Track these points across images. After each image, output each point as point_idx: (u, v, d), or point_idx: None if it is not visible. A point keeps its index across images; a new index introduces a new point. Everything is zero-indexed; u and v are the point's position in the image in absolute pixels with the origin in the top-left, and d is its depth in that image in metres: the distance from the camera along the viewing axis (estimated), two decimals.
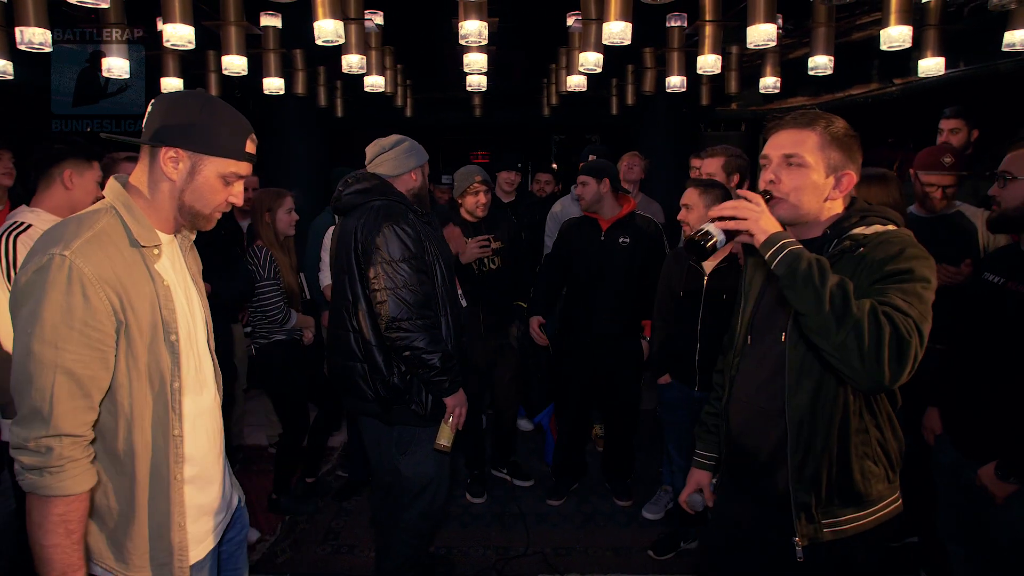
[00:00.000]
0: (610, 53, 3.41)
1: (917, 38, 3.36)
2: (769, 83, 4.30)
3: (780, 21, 3.69)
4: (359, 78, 4.48)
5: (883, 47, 3.15)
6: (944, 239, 2.64)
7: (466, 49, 3.98)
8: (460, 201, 3.37)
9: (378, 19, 3.95)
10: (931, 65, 3.54)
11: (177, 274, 1.42)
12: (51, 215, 2.20)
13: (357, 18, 3.45)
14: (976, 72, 4.23)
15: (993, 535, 1.98)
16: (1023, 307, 1.87)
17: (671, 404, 3.03)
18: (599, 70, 3.55)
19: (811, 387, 1.45)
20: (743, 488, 1.66)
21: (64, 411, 1.18)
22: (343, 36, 3.17)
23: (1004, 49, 3.25)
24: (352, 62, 3.67)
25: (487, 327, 3.41)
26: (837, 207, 1.51)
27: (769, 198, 1.46)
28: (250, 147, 1.39)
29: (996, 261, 2.06)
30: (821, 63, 3.65)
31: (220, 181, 1.36)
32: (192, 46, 3.15)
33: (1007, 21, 3.21)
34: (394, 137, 2.43)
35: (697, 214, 2.78)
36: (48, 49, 2.93)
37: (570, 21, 3.83)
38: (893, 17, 3.06)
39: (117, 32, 3.37)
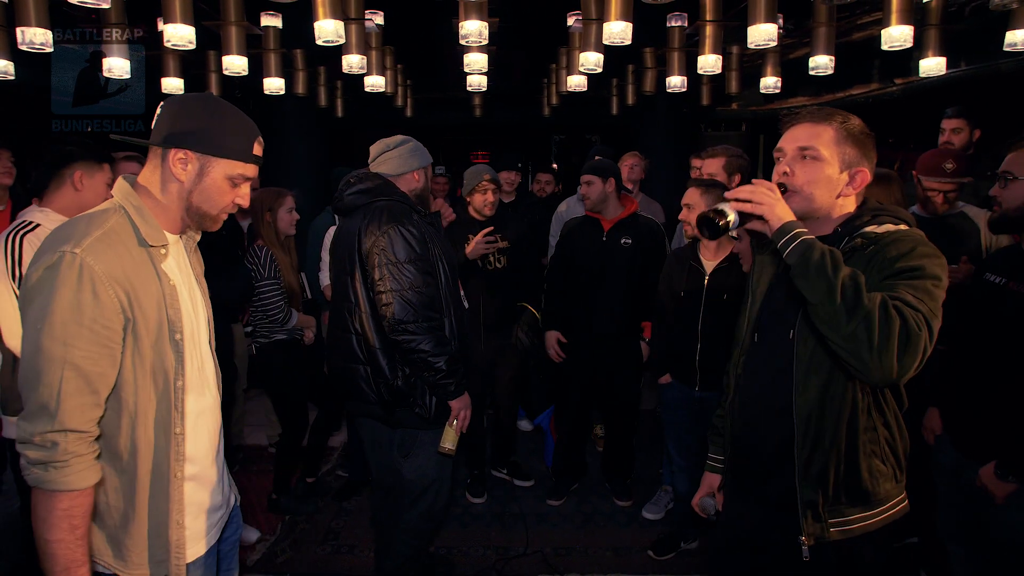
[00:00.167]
0: (610, 53, 3.40)
1: (918, 38, 3.35)
2: (770, 83, 4.29)
3: (781, 21, 3.68)
4: (359, 78, 4.48)
5: (884, 47, 3.15)
6: (946, 240, 2.63)
7: (466, 49, 3.98)
8: (468, 199, 3.38)
9: (378, 19, 3.95)
10: (932, 65, 3.54)
11: (182, 274, 1.44)
12: (60, 215, 2.20)
13: (357, 18, 3.45)
14: (977, 72, 4.23)
15: (993, 535, 1.98)
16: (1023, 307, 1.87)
17: (671, 404, 3.03)
18: (599, 70, 3.54)
19: (820, 384, 1.45)
20: (748, 488, 1.66)
21: (71, 407, 1.19)
22: (343, 36, 3.16)
23: (1005, 49, 3.24)
24: (352, 62, 3.67)
25: (490, 327, 3.41)
26: (849, 205, 1.51)
27: (784, 191, 1.46)
28: (257, 150, 1.42)
29: (997, 261, 2.06)
30: (822, 63, 3.65)
31: (228, 183, 1.38)
32: (192, 46, 3.14)
33: (1008, 21, 3.21)
34: (399, 137, 2.43)
35: (698, 213, 2.78)
36: (49, 49, 2.93)
37: (570, 21, 3.82)
38: (894, 17, 3.05)
39: (117, 32, 3.37)
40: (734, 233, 2.76)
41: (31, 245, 2.11)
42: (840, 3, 3.47)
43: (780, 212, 1.34)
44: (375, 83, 4.60)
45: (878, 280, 1.34)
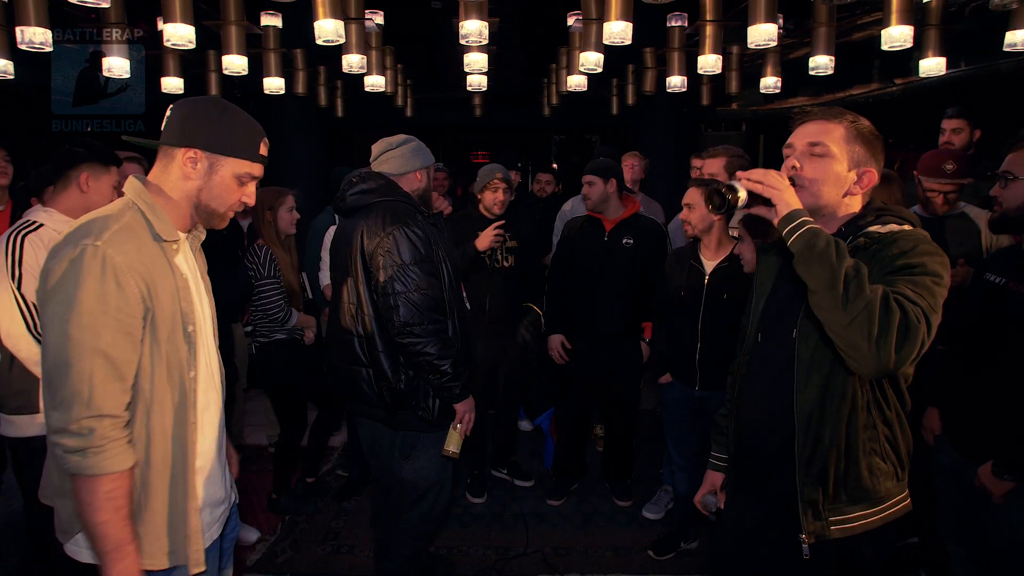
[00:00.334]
0: (610, 53, 3.40)
1: (918, 38, 3.35)
2: (770, 83, 4.29)
3: (781, 21, 3.69)
4: (359, 78, 4.48)
5: (884, 47, 3.15)
6: (947, 240, 2.63)
7: (466, 49, 3.98)
8: (479, 196, 3.39)
9: (378, 19, 3.95)
10: (932, 65, 3.54)
11: (191, 270, 1.49)
12: (64, 216, 2.20)
13: (357, 18, 3.45)
14: (977, 72, 4.23)
15: (992, 535, 1.98)
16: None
17: (672, 403, 3.03)
18: (599, 70, 3.54)
19: (820, 381, 1.45)
20: (750, 487, 1.66)
21: (103, 393, 1.24)
22: (343, 36, 3.16)
23: (1005, 49, 3.24)
24: (352, 62, 3.67)
25: (495, 326, 3.41)
26: (855, 204, 1.51)
27: (792, 185, 1.46)
28: (263, 150, 1.47)
29: (997, 261, 2.06)
30: (822, 63, 3.65)
31: (235, 181, 1.44)
32: (192, 46, 3.14)
33: (1008, 21, 3.21)
34: (401, 136, 2.41)
35: (699, 213, 2.78)
36: (49, 49, 2.93)
37: (570, 21, 3.83)
38: (894, 17, 3.05)
39: (117, 32, 3.36)
40: (735, 233, 2.77)
41: (32, 245, 2.11)
42: (840, 3, 3.47)
43: (789, 199, 1.35)
44: (375, 83, 4.60)
45: (879, 277, 1.34)
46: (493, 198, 3.32)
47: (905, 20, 3.05)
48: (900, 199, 2.39)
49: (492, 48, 4.15)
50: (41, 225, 2.16)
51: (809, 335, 1.46)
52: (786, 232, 1.32)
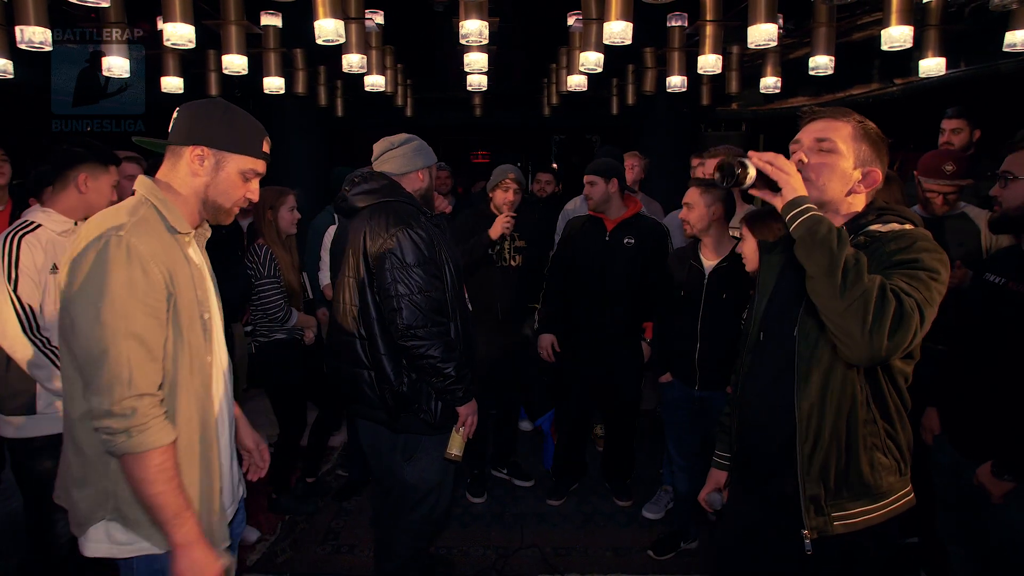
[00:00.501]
0: (611, 53, 3.40)
1: (918, 38, 3.35)
2: (770, 83, 4.29)
3: (781, 21, 3.69)
4: (359, 78, 4.48)
5: (884, 47, 3.15)
6: (947, 240, 2.63)
7: (467, 49, 3.98)
8: (491, 195, 3.41)
9: (378, 19, 3.95)
10: (932, 65, 3.54)
11: (200, 264, 1.56)
12: (62, 216, 2.19)
13: (357, 17, 3.45)
14: (977, 72, 4.23)
15: (992, 535, 1.98)
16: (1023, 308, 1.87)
17: (672, 403, 3.03)
18: (600, 70, 3.54)
19: (820, 377, 1.46)
20: (752, 486, 1.67)
21: (141, 373, 1.31)
22: (343, 35, 3.16)
23: (1005, 49, 3.24)
24: (352, 61, 3.67)
25: (500, 325, 3.41)
26: (858, 204, 1.52)
27: None
28: (265, 147, 1.55)
29: (997, 262, 2.06)
30: (822, 63, 3.65)
31: (240, 177, 1.52)
32: (192, 45, 3.14)
33: (1008, 21, 3.20)
34: (403, 135, 2.39)
35: (698, 213, 2.78)
36: (48, 48, 2.92)
37: (571, 21, 3.83)
38: (894, 17, 3.05)
39: (117, 31, 3.36)
40: (736, 233, 2.77)
41: (29, 246, 2.09)
42: (840, 3, 3.47)
43: (796, 185, 1.36)
44: (375, 83, 4.59)
45: (877, 272, 1.35)
46: (503, 198, 3.32)
47: (905, 20, 3.05)
48: (900, 199, 2.39)
49: (492, 48, 4.15)
50: (39, 226, 2.15)
51: (809, 332, 1.47)
52: (789, 217, 1.34)
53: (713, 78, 4.66)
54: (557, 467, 3.62)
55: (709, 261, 2.82)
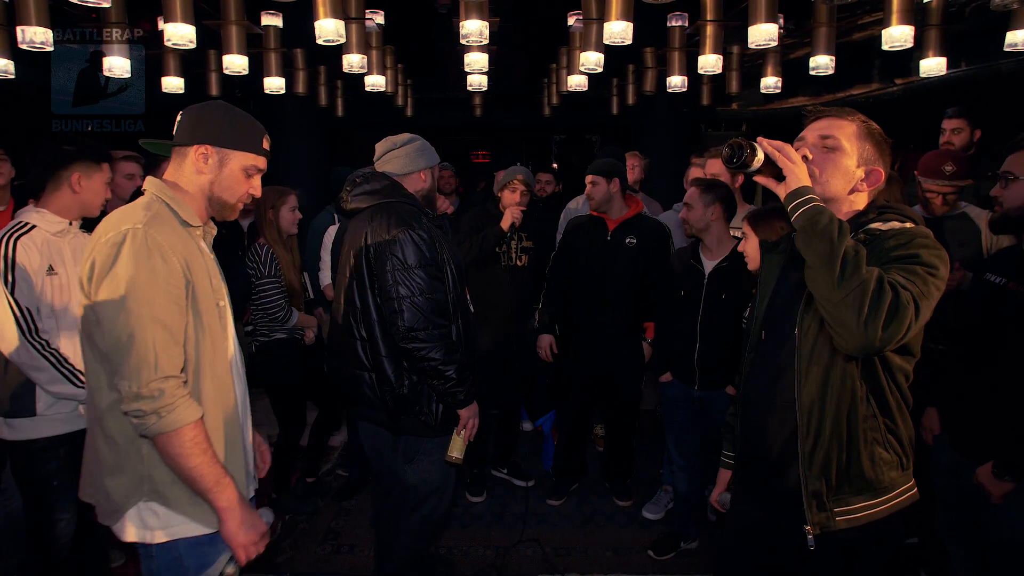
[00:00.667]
0: (611, 53, 3.40)
1: (918, 38, 3.35)
2: (770, 83, 4.29)
3: (781, 21, 3.69)
4: (360, 78, 4.47)
5: (884, 47, 3.15)
6: (947, 240, 2.63)
7: (467, 49, 3.98)
8: (499, 195, 3.42)
9: (379, 19, 3.95)
10: (932, 65, 3.54)
11: (212, 257, 1.64)
12: (57, 217, 2.17)
13: (358, 17, 3.45)
14: (978, 72, 4.23)
15: (991, 534, 1.98)
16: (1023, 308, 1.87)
17: (672, 402, 3.03)
18: (600, 70, 3.54)
19: (819, 374, 1.47)
20: (755, 485, 1.67)
21: (166, 357, 1.39)
22: (344, 35, 3.16)
23: (1006, 49, 3.24)
24: (353, 61, 3.67)
25: (504, 325, 3.40)
26: (860, 202, 1.53)
27: None
28: (265, 144, 1.64)
29: (997, 262, 2.06)
30: (822, 63, 3.65)
31: (243, 173, 1.60)
32: (193, 45, 3.14)
33: (1009, 21, 3.21)
34: (406, 135, 2.38)
35: (697, 213, 2.79)
36: (49, 48, 2.92)
37: (571, 21, 3.82)
38: (895, 17, 3.05)
39: (118, 31, 3.36)
40: (737, 233, 2.77)
41: (24, 248, 2.08)
42: (841, 3, 3.47)
43: (800, 175, 1.37)
44: (375, 83, 4.59)
45: (876, 267, 1.35)
46: (512, 199, 3.34)
47: (905, 20, 3.05)
48: (901, 199, 2.39)
49: (492, 48, 4.15)
50: (33, 227, 2.13)
51: (809, 328, 1.49)
52: (792, 207, 1.35)
53: (713, 78, 4.66)
54: (557, 467, 3.62)
55: (709, 261, 2.82)
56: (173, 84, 4.09)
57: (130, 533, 1.48)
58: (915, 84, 4.76)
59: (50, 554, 2.24)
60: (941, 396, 2.19)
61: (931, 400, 2.24)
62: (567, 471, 3.60)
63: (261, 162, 1.63)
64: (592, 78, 4.32)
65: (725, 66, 4.43)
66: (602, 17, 3.12)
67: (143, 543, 1.49)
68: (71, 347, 2.15)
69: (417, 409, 2.21)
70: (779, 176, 1.39)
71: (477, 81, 4.79)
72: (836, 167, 1.48)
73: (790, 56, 4.75)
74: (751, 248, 2.31)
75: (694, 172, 3.56)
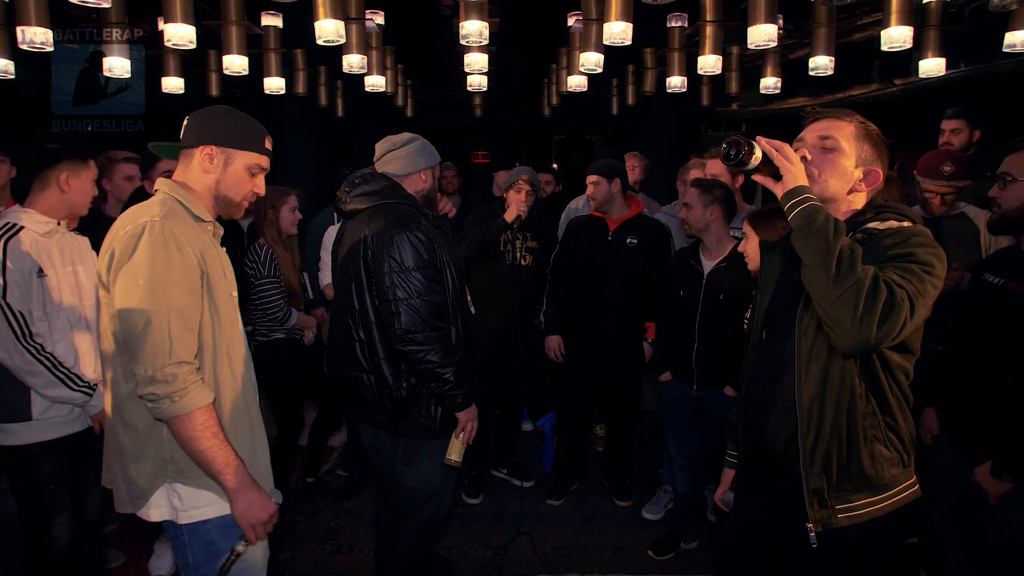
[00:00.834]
0: (611, 53, 3.40)
1: (918, 39, 3.35)
2: (770, 83, 4.29)
3: (781, 21, 3.69)
4: (360, 78, 4.48)
5: (884, 48, 3.15)
6: (946, 240, 2.64)
7: (467, 49, 3.98)
8: (504, 195, 3.44)
9: (379, 19, 3.95)
10: (932, 66, 3.54)
11: (222, 251, 1.71)
12: (44, 216, 2.14)
13: (358, 18, 3.45)
14: (977, 73, 4.23)
15: (990, 535, 1.98)
16: (1023, 308, 1.87)
17: (672, 402, 3.03)
18: (600, 70, 3.54)
19: (819, 372, 1.48)
20: (757, 484, 1.68)
21: (181, 343, 1.46)
22: (344, 36, 3.16)
23: (1005, 50, 3.25)
24: (353, 62, 3.67)
25: (506, 324, 3.40)
26: (859, 202, 1.54)
27: None
28: (268, 144, 1.71)
29: (996, 262, 2.06)
30: (822, 63, 3.65)
31: (247, 172, 1.67)
32: (193, 46, 3.14)
33: (1008, 22, 3.21)
34: (406, 135, 2.36)
35: (696, 213, 2.79)
36: (49, 48, 2.92)
37: (571, 21, 3.82)
38: (894, 18, 3.06)
39: (118, 31, 3.36)
40: (738, 233, 2.77)
41: (14, 251, 2.05)
42: (840, 4, 3.47)
43: (797, 174, 1.38)
44: (375, 83, 4.60)
45: (872, 265, 1.36)
46: (516, 198, 3.35)
47: (905, 21, 3.06)
48: (899, 199, 2.39)
49: (492, 48, 4.15)
50: (22, 228, 2.09)
51: (808, 327, 1.49)
52: (789, 206, 1.35)
53: (713, 78, 4.66)
54: (557, 467, 3.62)
55: (708, 261, 2.83)
56: (173, 84, 4.09)
57: (156, 514, 1.57)
58: (914, 85, 4.76)
59: (47, 559, 2.22)
60: (940, 396, 2.19)
61: (930, 400, 2.24)
62: (567, 471, 3.60)
63: (264, 161, 1.70)
64: (592, 78, 4.33)
65: (725, 66, 4.44)
66: (602, 17, 3.12)
67: (173, 523, 1.57)
68: (64, 349, 2.14)
69: (416, 411, 2.20)
70: (777, 175, 1.40)
71: (477, 81, 4.79)
72: (835, 167, 1.48)
73: (790, 57, 4.75)
74: (751, 248, 2.31)
75: (693, 172, 3.56)
